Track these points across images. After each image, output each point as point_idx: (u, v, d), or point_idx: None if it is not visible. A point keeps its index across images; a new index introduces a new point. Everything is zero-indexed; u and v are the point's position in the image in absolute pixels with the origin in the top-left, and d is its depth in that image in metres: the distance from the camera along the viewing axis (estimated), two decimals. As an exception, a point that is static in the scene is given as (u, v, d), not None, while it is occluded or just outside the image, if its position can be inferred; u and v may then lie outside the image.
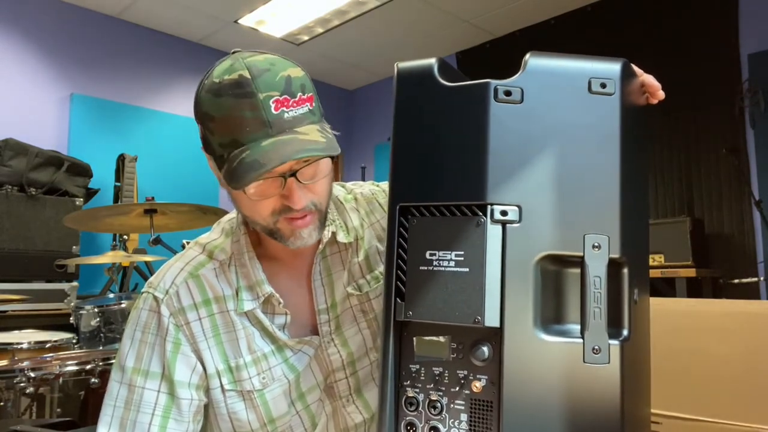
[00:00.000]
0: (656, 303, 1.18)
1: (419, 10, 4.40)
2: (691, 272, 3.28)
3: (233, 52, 0.87)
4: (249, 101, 0.80)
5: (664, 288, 3.36)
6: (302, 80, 0.85)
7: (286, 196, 0.84)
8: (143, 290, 0.96)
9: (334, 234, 0.98)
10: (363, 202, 1.07)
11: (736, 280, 3.44)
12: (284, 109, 0.81)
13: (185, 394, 0.90)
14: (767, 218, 3.20)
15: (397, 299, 0.70)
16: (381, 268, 1.01)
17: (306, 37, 4.81)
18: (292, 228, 0.87)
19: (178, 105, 4.83)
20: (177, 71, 4.87)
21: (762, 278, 3.42)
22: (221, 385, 0.93)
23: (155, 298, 0.93)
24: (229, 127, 0.81)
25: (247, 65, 0.82)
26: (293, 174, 0.83)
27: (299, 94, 0.83)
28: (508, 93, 0.68)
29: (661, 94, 0.80)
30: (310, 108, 0.85)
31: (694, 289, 3.35)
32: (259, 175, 0.79)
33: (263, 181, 0.83)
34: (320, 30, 4.71)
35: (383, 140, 5.69)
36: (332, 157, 0.87)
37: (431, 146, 0.71)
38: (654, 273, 3.32)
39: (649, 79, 0.79)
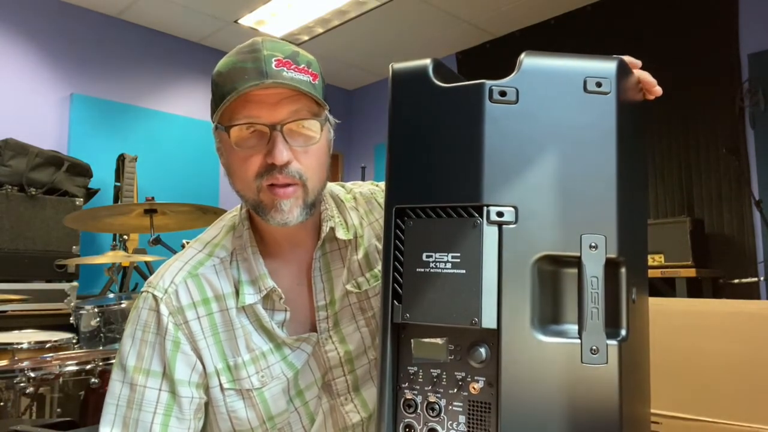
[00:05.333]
0: (656, 303, 1.18)
1: (419, 10, 4.40)
2: (691, 272, 3.28)
3: None
4: (253, 55, 0.86)
5: (664, 288, 3.35)
6: (311, 60, 0.90)
7: (270, 151, 0.86)
8: (143, 289, 0.96)
9: (332, 229, 0.98)
10: (362, 201, 1.08)
11: (736, 280, 3.44)
12: (285, 68, 0.86)
13: (186, 392, 0.91)
14: (767, 218, 3.19)
15: (394, 301, 0.70)
16: (380, 267, 1.02)
17: (306, 37, 4.81)
18: (273, 197, 0.88)
19: (178, 105, 4.83)
20: (177, 71, 4.87)
21: (762, 278, 3.42)
22: (220, 384, 0.93)
23: (154, 297, 0.93)
24: (231, 77, 0.86)
25: (263, 38, 0.90)
26: (280, 128, 0.85)
27: (304, 65, 0.88)
28: (503, 93, 0.68)
29: (658, 90, 0.80)
30: (312, 81, 0.88)
31: (694, 289, 3.35)
32: (240, 91, 0.83)
33: (250, 133, 0.86)
34: (320, 30, 4.71)
35: (383, 140, 5.66)
36: (326, 128, 0.92)
37: (427, 147, 0.71)
38: (654, 273, 3.32)
39: (645, 76, 0.79)
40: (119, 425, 0.89)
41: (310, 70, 0.88)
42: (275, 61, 0.85)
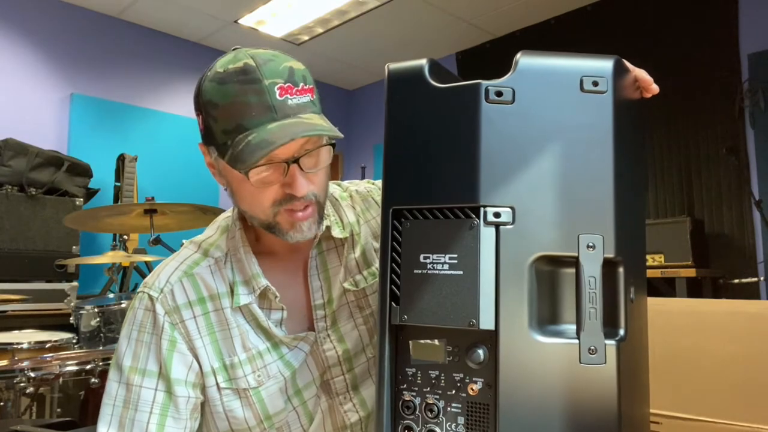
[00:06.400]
0: (656, 303, 1.17)
1: (419, 10, 4.40)
2: (691, 272, 3.27)
3: (234, 49, 0.89)
4: (254, 87, 0.82)
5: (664, 288, 3.35)
6: (303, 72, 0.88)
7: (289, 183, 0.85)
8: (138, 290, 0.97)
9: (328, 228, 0.98)
10: (358, 200, 1.08)
11: (736, 280, 3.44)
12: (288, 96, 0.84)
13: (182, 391, 0.91)
14: (767, 218, 3.19)
15: (392, 303, 0.70)
16: (377, 265, 1.02)
17: (306, 37, 4.81)
18: (292, 221, 0.88)
19: (178, 105, 4.83)
20: (177, 71, 4.87)
21: (762, 278, 3.41)
22: (217, 384, 0.93)
23: (150, 297, 0.94)
24: (234, 112, 0.83)
25: (251, 55, 0.85)
26: (296, 161, 0.85)
27: (301, 84, 0.86)
28: (499, 94, 0.68)
29: (655, 88, 0.80)
30: (312, 99, 0.88)
31: (694, 289, 3.35)
32: (268, 152, 0.80)
33: (266, 168, 0.84)
34: (320, 30, 4.71)
35: (383, 140, 5.69)
36: (333, 146, 0.90)
37: (423, 148, 0.71)
38: (654, 273, 3.31)
39: (642, 74, 0.79)
40: (116, 425, 0.89)
41: (307, 87, 0.87)
42: (278, 89, 0.83)
